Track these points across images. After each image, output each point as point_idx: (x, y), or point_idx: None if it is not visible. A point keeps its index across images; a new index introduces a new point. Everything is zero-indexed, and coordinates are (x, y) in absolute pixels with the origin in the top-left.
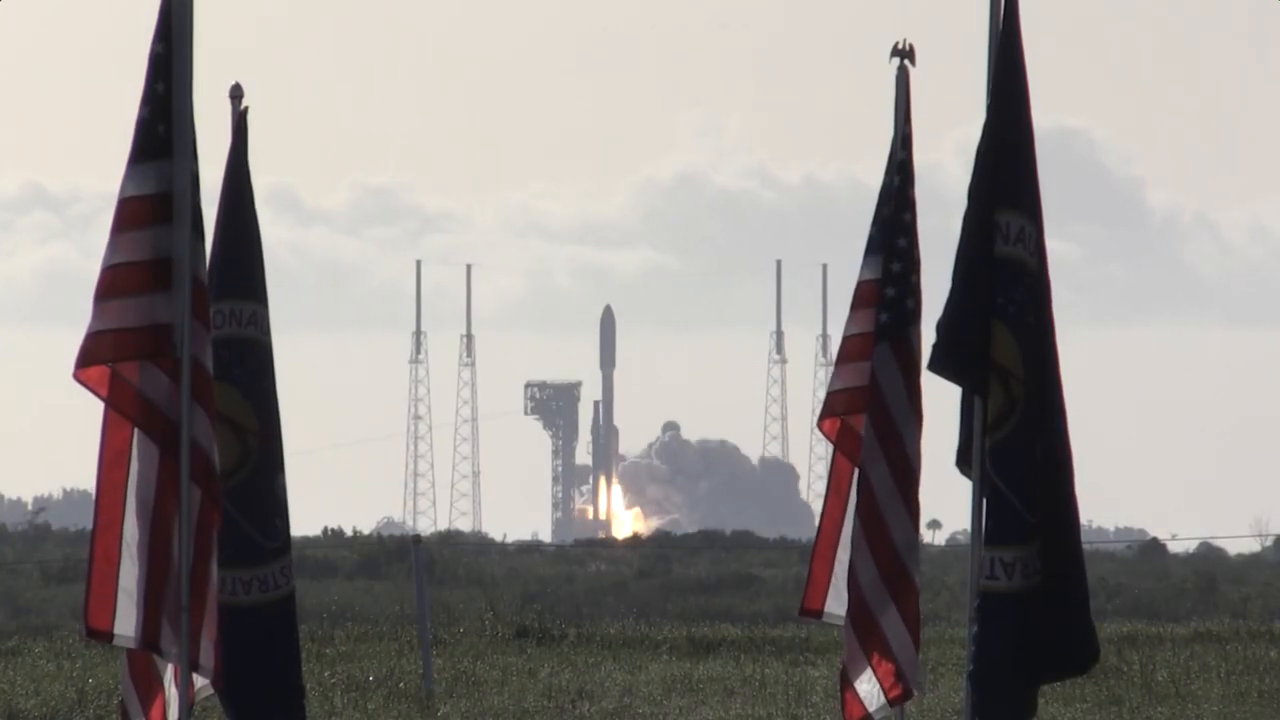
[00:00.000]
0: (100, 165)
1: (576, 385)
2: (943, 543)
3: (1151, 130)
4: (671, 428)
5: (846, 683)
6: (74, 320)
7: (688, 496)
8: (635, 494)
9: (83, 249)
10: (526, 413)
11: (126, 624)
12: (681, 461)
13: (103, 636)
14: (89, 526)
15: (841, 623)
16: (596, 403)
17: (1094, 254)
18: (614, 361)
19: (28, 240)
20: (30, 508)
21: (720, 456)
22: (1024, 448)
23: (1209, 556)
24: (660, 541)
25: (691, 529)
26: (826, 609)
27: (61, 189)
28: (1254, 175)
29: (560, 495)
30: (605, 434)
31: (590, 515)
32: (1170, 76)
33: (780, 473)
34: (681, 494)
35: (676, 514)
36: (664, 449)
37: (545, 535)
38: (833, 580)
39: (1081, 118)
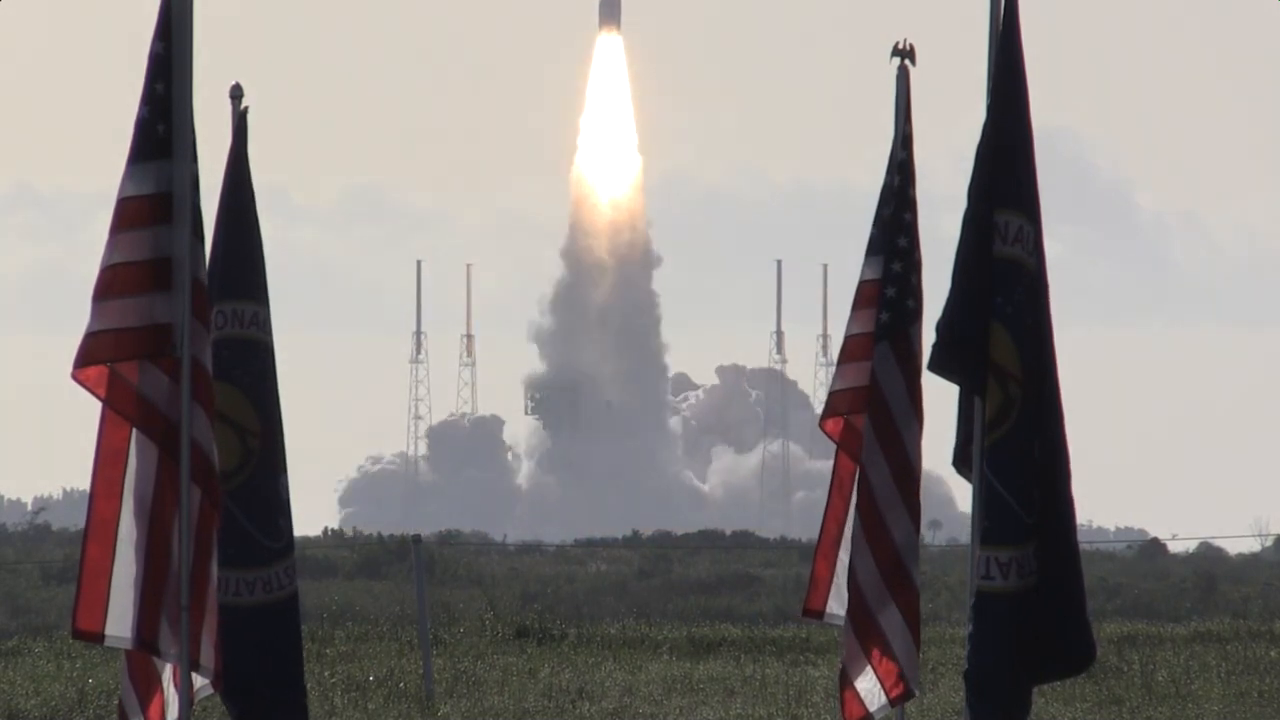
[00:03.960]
0: (91, 165)
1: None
2: (943, 543)
3: (1140, 129)
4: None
5: (846, 682)
6: (63, 320)
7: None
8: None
9: (72, 249)
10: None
11: (121, 624)
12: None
13: (93, 638)
14: None
15: (842, 623)
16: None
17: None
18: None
19: (16, 240)
20: (30, 508)
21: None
22: (1021, 448)
23: (1209, 556)
24: (660, 541)
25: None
26: (828, 610)
27: (51, 189)
28: (1246, 175)
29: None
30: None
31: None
32: (1161, 75)
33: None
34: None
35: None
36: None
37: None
38: (834, 581)
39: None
